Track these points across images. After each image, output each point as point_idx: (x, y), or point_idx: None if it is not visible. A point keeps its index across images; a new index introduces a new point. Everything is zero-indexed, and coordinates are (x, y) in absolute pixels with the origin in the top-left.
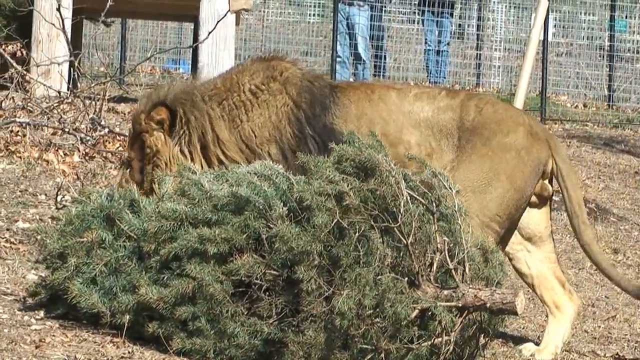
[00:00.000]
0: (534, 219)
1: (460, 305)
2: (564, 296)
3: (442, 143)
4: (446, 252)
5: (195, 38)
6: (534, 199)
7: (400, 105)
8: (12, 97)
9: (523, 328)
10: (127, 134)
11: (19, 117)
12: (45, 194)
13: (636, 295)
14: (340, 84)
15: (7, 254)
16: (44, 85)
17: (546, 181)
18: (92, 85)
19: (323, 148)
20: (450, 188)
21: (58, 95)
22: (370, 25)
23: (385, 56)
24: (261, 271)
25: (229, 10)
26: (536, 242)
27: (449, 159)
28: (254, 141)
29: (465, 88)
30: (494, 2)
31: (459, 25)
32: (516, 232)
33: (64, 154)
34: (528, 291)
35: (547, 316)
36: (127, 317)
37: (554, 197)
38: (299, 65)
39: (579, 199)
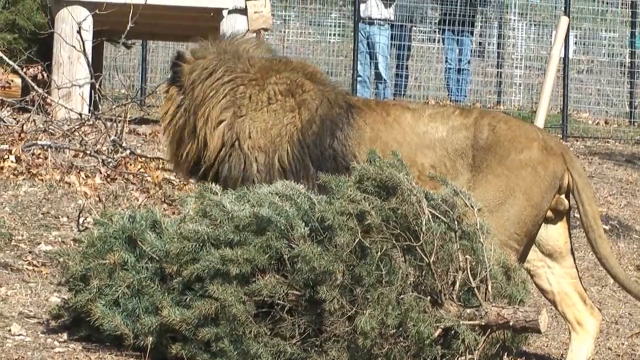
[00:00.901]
0: (553, 234)
1: (483, 323)
2: (585, 312)
3: (457, 163)
4: (468, 271)
5: None
6: (550, 214)
7: (415, 126)
8: (34, 120)
9: (546, 346)
10: (149, 155)
11: (40, 140)
12: (67, 216)
13: None
14: (358, 103)
15: (29, 276)
16: (65, 107)
17: (562, 195)
18: (113, 107)
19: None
20: (472, 206)
21: (79, 117)
22: (391, 44)
23: (407, 75)
24: (283, 291)
25: (248, 30)
26: (557, 258)
27: (464, 179)
28: (246, 141)
29: (486, 106)
30: (515, 20)
31: (480, 43)
32: (536, 248)
33: (86, 176)
34: (551, 309)
35: (570, 333)
36: (150, 338)
37: (575, 214)
38: (325, 87)
39: (595, 213)
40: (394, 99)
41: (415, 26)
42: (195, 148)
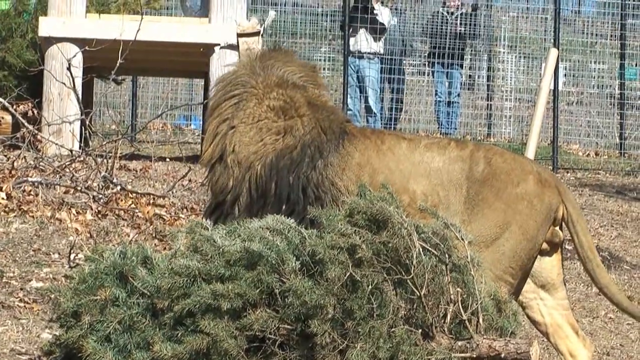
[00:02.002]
0: (546, 266)
1: (474, 356)
2: (578, 344)
3: (449, 193)
4: (460, 303)
5: (207, 94)
6: (545, 246)
7: (410, 155)
8: (24, 157)
9: None
10: (139, 191)
11: (31, 177)
12: (59, 253)
13: None
14: (353, 130)
15: (21, 313)
16: (56, 144)
17: (557, 228)
18: (104, 143)
19: (278, 204)
20: (462, 239)
21: (70, 153)
22: (381, 77)
23: (397, 108)
24: (275, 326)
25: None
26: (549, 289)
27: (456, 210)
28: (230, 155)
29: (476, 139)
30: (504, 52)
31: (469, 76)
32: (529, 280)
33: (77, 213)
34: (542, 340)
35: None
36: None
37: (566, 246)
38: (322, 113)
39: (590, 243)
40: None
41: (404, 59)
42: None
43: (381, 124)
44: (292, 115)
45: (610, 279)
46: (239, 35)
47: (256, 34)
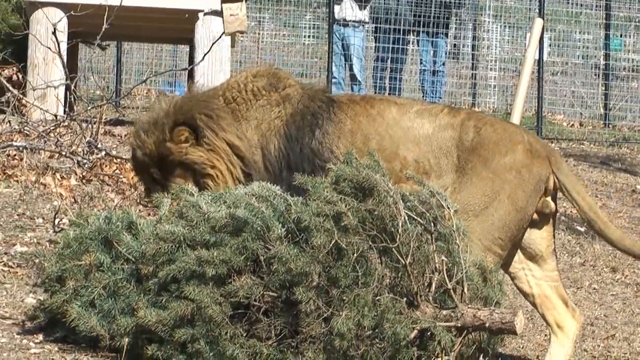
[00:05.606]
0: (536, 237)
1: (459, 325)
2: (566, 314)
3: (440, 161)
4: (444, 272)
5: (191, 60)
6: (535, 216)
7: (400, 120)
8: (9, 121)
9: (522, 347)
10: (124, 157)
11: (15, 141)
12: (43, 218)
13: None
14: (341, 98)
15: (5, 277)
16: (41, 109)
17: (548, 198)
18: (89, 108)
19: (293, 170)
20: (449, 207)
21: (54, 118)
22: (366, 45)
23: (382, 77)
24: (260, 293)
25: (224, 32)
26: (538, 260)
27: (448, 178)
28: (245, 144)
29: (461, 108)
30: (489, 21)
31: (454, 45)
32: (519, 250)
33: (61, 177)
34: (527, 310)
35: (547, 336)
36: (126, 339)
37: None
38: (304, 85)
39: (591, 204)
40: None
41: (390, 28)
42: None
43: (365, 92)
44: (282, 87)
45: (621, 233)
46: (223, 1)
47: (240, 0)
